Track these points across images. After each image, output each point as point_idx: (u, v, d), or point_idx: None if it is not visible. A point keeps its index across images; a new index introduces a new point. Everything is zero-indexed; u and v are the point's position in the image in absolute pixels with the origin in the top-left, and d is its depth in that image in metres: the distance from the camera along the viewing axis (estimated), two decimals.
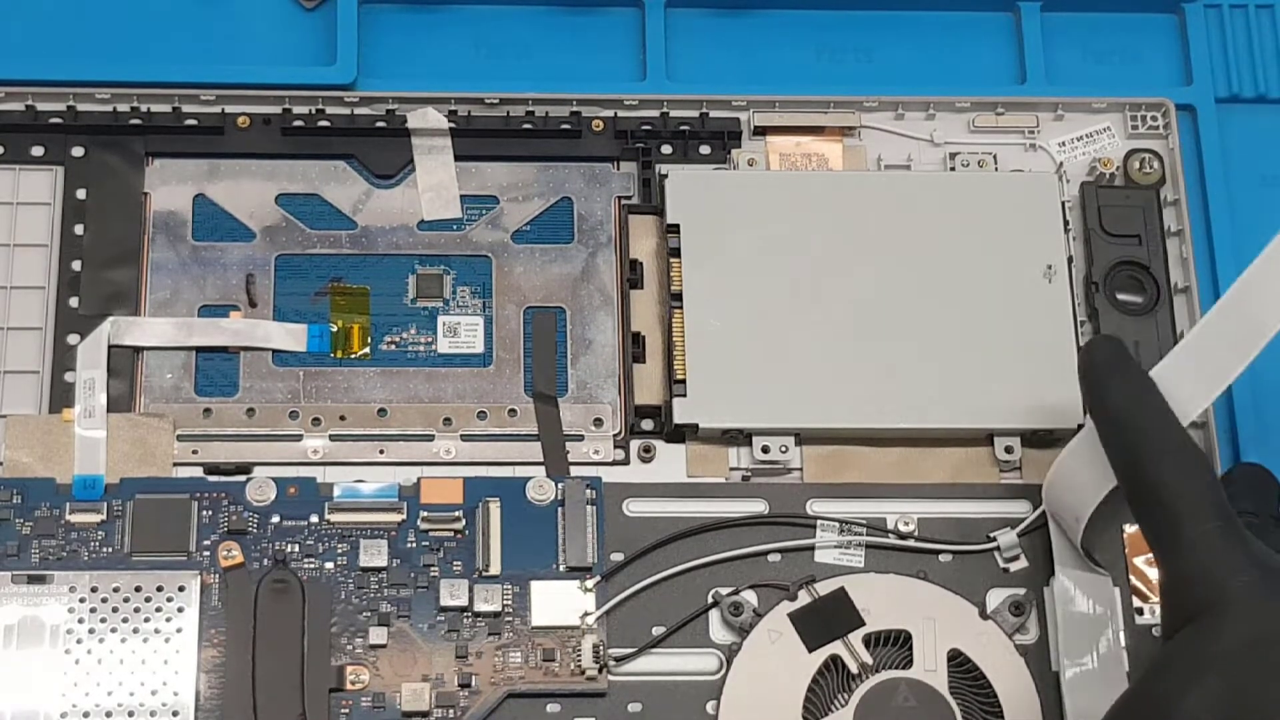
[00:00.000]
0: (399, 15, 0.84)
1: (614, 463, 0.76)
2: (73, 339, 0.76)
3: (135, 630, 0.71)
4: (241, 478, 0.74)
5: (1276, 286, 0.67)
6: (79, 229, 0.78)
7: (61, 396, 0.75)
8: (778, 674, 0.72)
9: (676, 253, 0.77)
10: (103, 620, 0.71)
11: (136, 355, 0.77)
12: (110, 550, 0.72)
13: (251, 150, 0.80)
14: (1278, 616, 0.60)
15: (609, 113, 0.81)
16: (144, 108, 0.80)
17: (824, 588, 0.73)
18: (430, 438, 0.76)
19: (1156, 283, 0.79)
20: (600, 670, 0.72)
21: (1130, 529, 0.73)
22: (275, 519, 0.73)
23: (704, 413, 0.75)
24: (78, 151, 0.79)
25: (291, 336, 0.77)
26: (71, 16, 0.82)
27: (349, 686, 0.71)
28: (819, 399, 0.75)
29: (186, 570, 0.72)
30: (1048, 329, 0.77)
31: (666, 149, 0.81)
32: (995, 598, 0.73)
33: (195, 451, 0.75)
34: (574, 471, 0.75)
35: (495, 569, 0.73)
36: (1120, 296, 0.79)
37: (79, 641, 0.70)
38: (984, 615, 0.73)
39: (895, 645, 0.72)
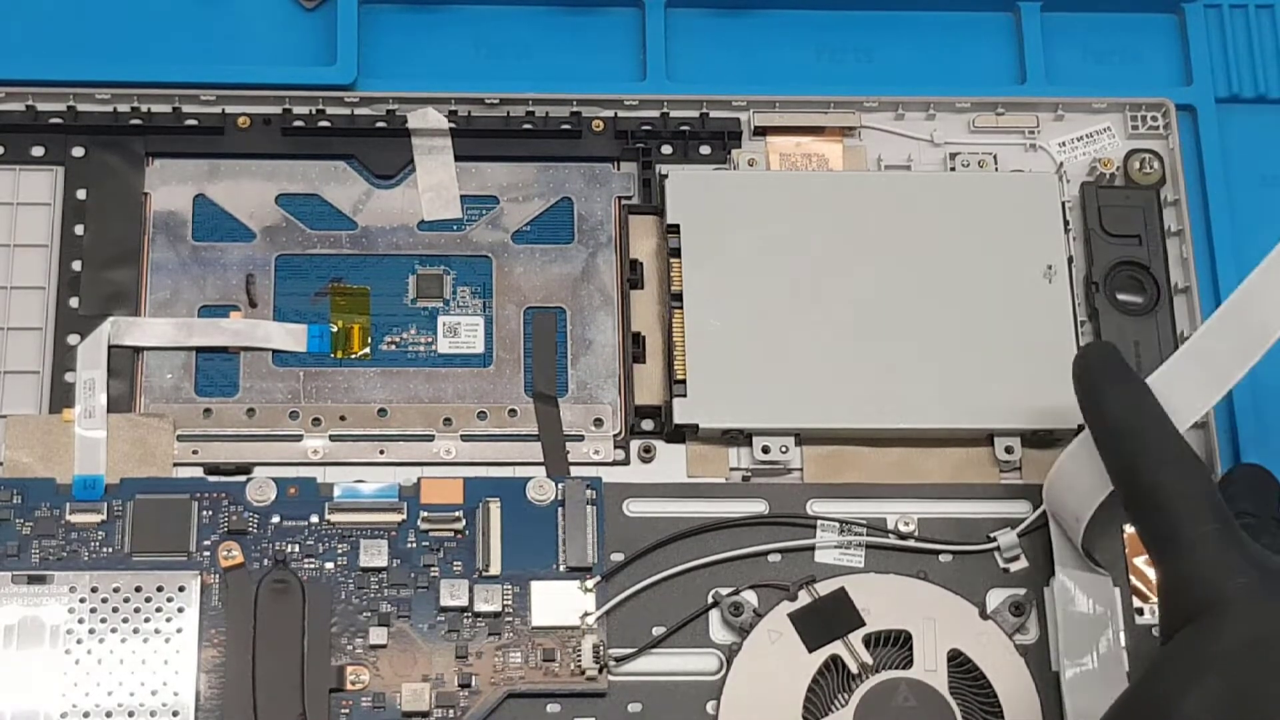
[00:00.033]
0: (399, 15, 0.84)
1: (614, 463, 0.76)
2: (73, 339, 0.76)
3: (135, 630, 0.71)
4: (241, 478, 0.74)
5: (1273, 298, 0.67)
6: (79, 229, 0.78)
7: (62, 397, 0.75)
8: (778, 674, 0.72)
9: (676, 253, 0.77)
10: (103, 620, 0.71)
11: (136, 355, 0.77)
12: (110, 550, 0.72)
13: (251, 150, 0.80)
14: (1277, 617, 0.60)
15: (609, 113, 0.81)
16: (144, 108, 0.80)
17: (824, 588, 0.73)
18: (430, 438, 0.76)
19: (1156, 283, 0.79)
20: (600, 670, 0.72)
21: (1130, 529, 0.73)
22: (275, 519, 0.73)
23: (704, 413, 0.75)
24: (78, 151, 0.79)
25: (291, 337, 0.77)
26: (71, 16, 0.82)
27: (349, 686, 0.71)
28: (819, 399, 0.75)
29: (186, 570, 0.72)
30: (1048, 329, 0.77)
31: (666, 149, 0.81)
32: (995, 598, 0.73)
33: (195, 452, 0.75)
34: (574, 472, 0.75)
35: (495, 569, 0.73)
36: (1120, 296, 0.79)
37: (79, 642, 0.71)
38: (984, 615, 0.73)
39: (895, 645, 0.72)
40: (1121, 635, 0.72)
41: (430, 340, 0.78)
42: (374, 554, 0.73)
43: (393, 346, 0.78)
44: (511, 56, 0.84)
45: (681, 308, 0.76)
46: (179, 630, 0.71)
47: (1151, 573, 0.73)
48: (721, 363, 0.76)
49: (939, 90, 0.82)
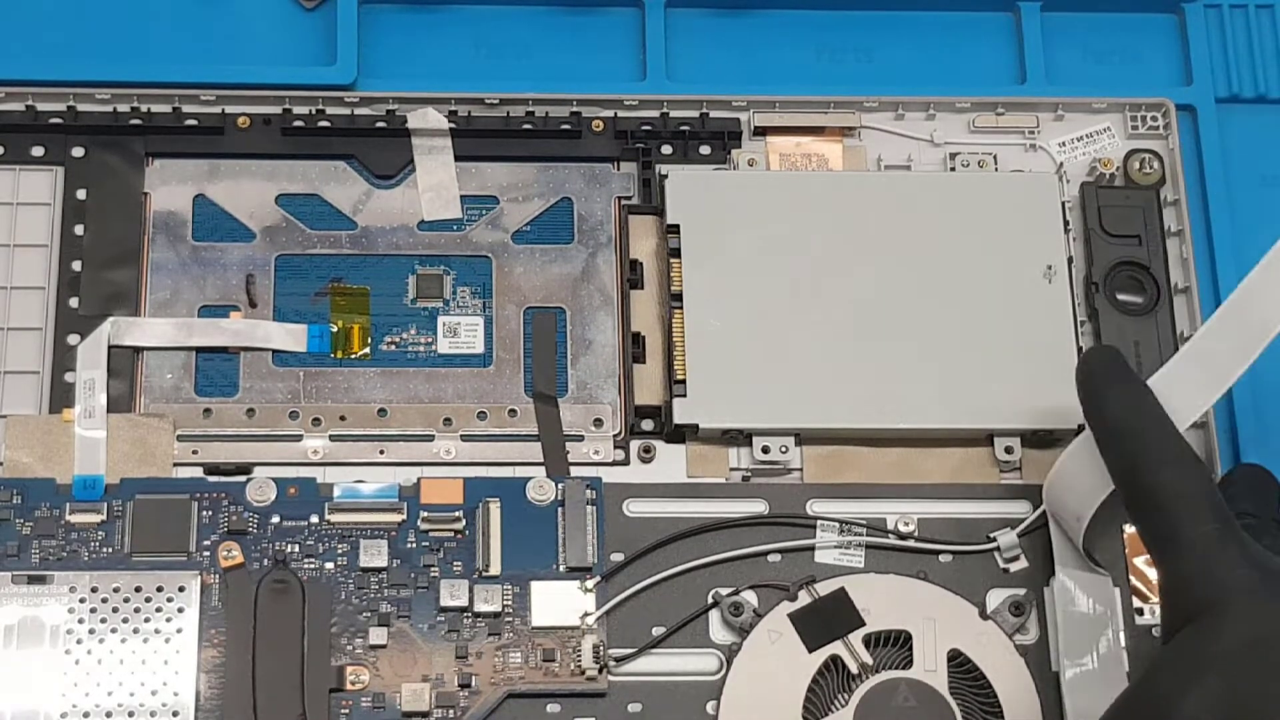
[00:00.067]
0: (399, 15, 0.84)
1: (614, 463, 0.76)
2: (73, 339, 0.76)
3: (135, 630, 0.71)
4: (241, 478, 0.74)
5: (1272, 296, 0.67)
6: (79, 229, 0.78)
7: (61, 397, 0.75)
8: (778, 674, 0.72)
9: (676, 253, 0.77)
10: (103, 620, 0.71)
11: (136, 355, 0.77)
12: (110, 550, 0.72)
13: (251, 150, 0.80)
14: (1277, 617, 0.60)
15: (609, 113, 0.81)
16: (144, 108, 0.80)
17: (824, 588, 0.73)
18: (430, 438, 0.76)
19: (1156, 283, 0.79)
20: (600, 670, 0.72)
21: (1130, 529, 0.73)
22: (275, 519, 0.73)
23: (704, 413, 0.75)
24: (78, 152, 0.79)
25: (291, 337, 0.77)
26: (71, 16, 0.82)
27: (349, 687, 0.71)
28: (819, 399, 0.75)
29: (186, 570, 0.72)
30: (1048, 329, 0.77)
31: (666, 149, 0.81)
32: (995, 598, 0.73)
33: (195, 452, 0.75)
34: (574, 472, 0.75)
35: (495, 569, 0.73)
36: (1120, 297, 0.79)
37: (79, 642, 0.71)
38: (984, 615, 0.73)
39: (895, 645, 0.72)
40: (1121, 635, 0.72)
41: (430, 340, 0.78)
42: (374, 554, 0.73)
43: (393, 346, 0.78)
44: (511, 56, 0.84)
45: (681, 308, 0.76)
46: (179, 630, 0.71)
47: (1151, 573, 0.73)
48: (721, 363, 0.76)
49: (939, 90, 0.82)
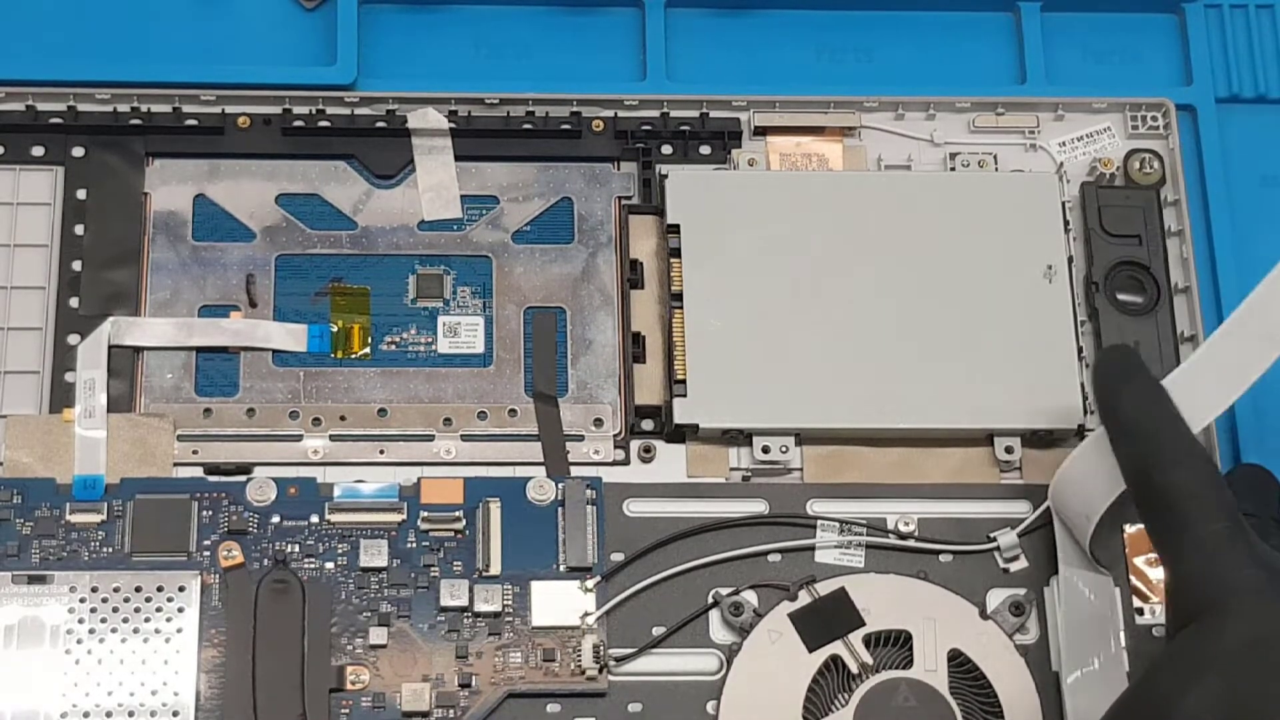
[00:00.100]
0: (399, 15, 0.84)
1: (614, 463, 0.76)
2: (73, 339, 0.76)
3: (135, 630, 0.71)
4: (242, 478, 0.74)
5: None
6: (79, 229, 0.78)
7: (62, 396, 0.75)
8: (778, 674, 0.72)
9: (677, 253, 0.77)
10: (103, 620, 0.71)
11: (136, 355, 0.77)
12: (110, 550, 0.72)
13: (251, 150, 0.80)
14: (1278, 618, 0.60)
15: (609, 113, 0.81)
16: (144, 108, 0.80)
17: (824, 588, 0.73)
18: (430, 438, 0.76)
19: (1157, 283, 0.79)
20: (600, 670, 0.72)
21: (1130, 529, 0.73)
22: (275, 519, 0.73)
23: (704, 413, 0.75)
24: (78, 151, 0.79)
25: (292, 337, 0.77)
26: (71, 16, 0.82)
27: (349, 686, 0.71)
28: (819, 399, 0.75)
29: (186, 570, 0.72)
30: (1048, 329, 0.77)
31: (666, 149, 0.81)
32: (995, 598, 0.73)
33: (195, 451, 0.75)
34: (574, 472, 0.75)
35: (495, 569, 0.73)
36: (1120, 296, 0.79)
37: (79, 641, 0.70)
38: (984, 615, 0.73)
39: (895, 645, 0.72)
40: (1122, 635, 0.72)
41: (430, 340, 0.78)
42: (374, 554, 0.73)
43: (393, 346, 0.78)
44: (511, 56, 0.84)
45: (681, 308, 0.76)
46: (179, 630, 0.71)
47: (1152, 573, 0.73)
48: (721, 363, 0.76)
49: (939, 90, 0.82)
